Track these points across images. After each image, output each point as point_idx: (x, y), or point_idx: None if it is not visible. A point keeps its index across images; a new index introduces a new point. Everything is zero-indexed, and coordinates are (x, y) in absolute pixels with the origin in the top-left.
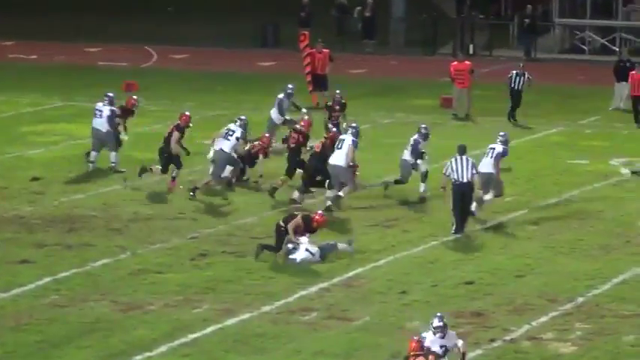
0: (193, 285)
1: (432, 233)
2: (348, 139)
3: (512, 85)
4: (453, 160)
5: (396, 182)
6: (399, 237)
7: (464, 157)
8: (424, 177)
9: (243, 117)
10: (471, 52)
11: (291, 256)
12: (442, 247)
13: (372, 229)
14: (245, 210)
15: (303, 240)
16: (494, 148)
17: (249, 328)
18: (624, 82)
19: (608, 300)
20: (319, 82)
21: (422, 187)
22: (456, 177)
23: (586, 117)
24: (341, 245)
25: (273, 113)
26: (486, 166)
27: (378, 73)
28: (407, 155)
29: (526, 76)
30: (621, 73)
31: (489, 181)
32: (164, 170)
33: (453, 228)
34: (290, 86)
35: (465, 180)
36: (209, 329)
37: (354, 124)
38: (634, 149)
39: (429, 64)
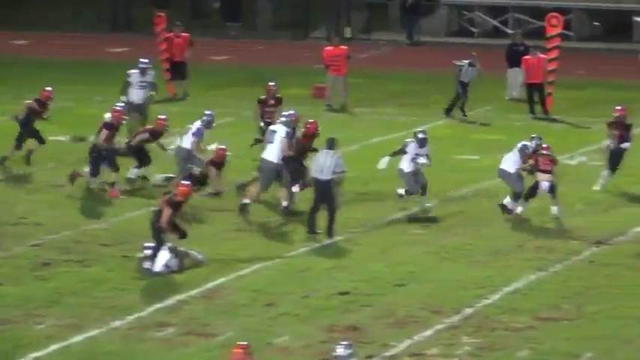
0: (35, 298)
1: (303, 239)
2: (280, 130)
3: (463, 79)
4: (319, 153)
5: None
6: (265, 243)
7: (330, 152)
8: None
9: (208, 112)
10: (347, 35)
11: (145, 265)
12: (313, 253)
13: (235, 235)
14: (93, 213)
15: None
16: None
17: (97, 346)
18: (517, 68)
19: (499, 311)
20: (178, 70)
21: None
22: (315, 172)
23: (476, 107)
24: (192, 253)
25: (134, 94)
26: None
27: (243, 59)
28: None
29: (478, 66)
30: (514, 58)
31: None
32: (93, 173)
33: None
34: (144, 60)
35: (322, 177)
36: (53, 347)
37: (285, 113)
38: None
39: (299, 49)
